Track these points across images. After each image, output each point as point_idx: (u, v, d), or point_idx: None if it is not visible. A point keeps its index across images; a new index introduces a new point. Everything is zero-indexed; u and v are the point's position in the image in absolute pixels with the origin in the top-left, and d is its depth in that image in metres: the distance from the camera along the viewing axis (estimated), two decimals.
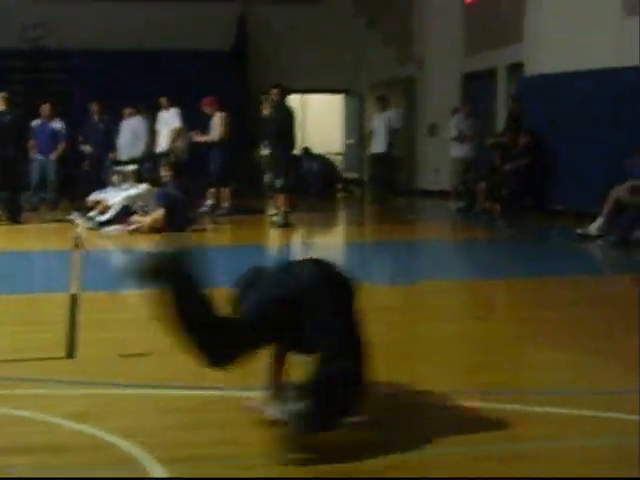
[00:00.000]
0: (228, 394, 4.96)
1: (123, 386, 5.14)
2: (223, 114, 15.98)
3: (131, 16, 21.96)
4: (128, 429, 4.32)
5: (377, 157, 18.65)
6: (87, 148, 17.57)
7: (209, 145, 16.01)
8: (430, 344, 5.29)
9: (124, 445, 4.13)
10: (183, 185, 14.78)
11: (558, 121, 15.63)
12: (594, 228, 12.25)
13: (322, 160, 21.69)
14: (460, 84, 19.62)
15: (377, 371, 5.23)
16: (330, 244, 14.01)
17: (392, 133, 18.40)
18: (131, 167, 15.33)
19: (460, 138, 17.46)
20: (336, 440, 4.21)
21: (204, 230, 14.11)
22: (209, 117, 16.14)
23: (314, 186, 20.28)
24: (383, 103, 18.93)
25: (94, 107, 17.57)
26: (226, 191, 16.03)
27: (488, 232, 14.68)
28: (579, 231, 12.42)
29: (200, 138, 16.11)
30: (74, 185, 18.54)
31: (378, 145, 18.40)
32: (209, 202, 15.72)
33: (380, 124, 18.43)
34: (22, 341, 6.36)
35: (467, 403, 4.76)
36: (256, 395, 4.61)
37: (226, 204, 15.97)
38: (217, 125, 16.02)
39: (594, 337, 6.43)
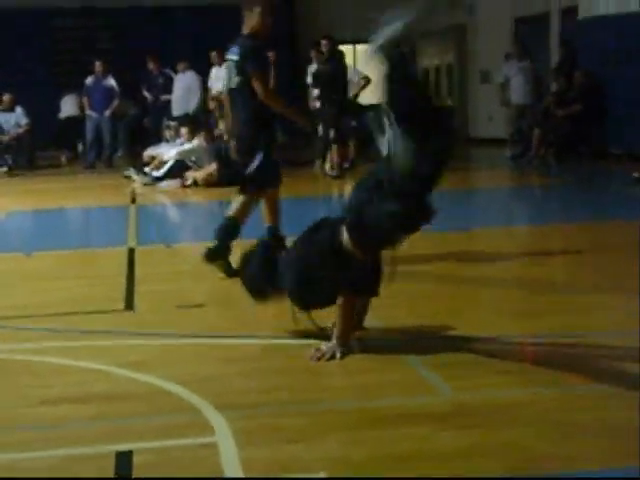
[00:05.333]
0: (282, 343, 5.03)
1: (180, 336, 5.23)
2: None
3: None
4: (186, 377, 4.41)
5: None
6: (149, 96, 17.62)
7: None
8: (489, 290, 5.26)
9: (182, 393, 4.21)
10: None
11: (613, 64, 15.37)
12: None
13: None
14: (512, 29, 19.33)
15: (440, 318, 5.30)
16: None
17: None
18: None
19: (503, 87, 16.75)
20: (392, 381, 4.27)
21: None
22: None
23: (368, 138, 20.13)
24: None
25: (151, 61, 17.53)
26: None
27: (543, 178, 14.53)
28: (635, 175, 12.27)
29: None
30: (129, 141, 18.72)
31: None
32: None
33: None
34: (82, 294, 6.48)
35: (530, 347, 4.80)
36: (318, 345, 4.69)
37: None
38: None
39: None
